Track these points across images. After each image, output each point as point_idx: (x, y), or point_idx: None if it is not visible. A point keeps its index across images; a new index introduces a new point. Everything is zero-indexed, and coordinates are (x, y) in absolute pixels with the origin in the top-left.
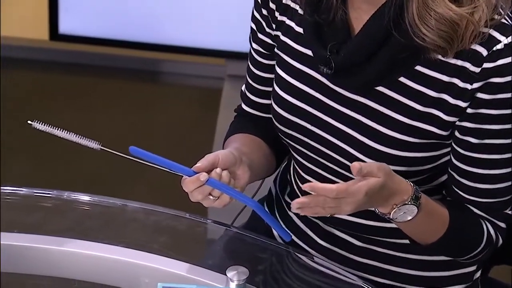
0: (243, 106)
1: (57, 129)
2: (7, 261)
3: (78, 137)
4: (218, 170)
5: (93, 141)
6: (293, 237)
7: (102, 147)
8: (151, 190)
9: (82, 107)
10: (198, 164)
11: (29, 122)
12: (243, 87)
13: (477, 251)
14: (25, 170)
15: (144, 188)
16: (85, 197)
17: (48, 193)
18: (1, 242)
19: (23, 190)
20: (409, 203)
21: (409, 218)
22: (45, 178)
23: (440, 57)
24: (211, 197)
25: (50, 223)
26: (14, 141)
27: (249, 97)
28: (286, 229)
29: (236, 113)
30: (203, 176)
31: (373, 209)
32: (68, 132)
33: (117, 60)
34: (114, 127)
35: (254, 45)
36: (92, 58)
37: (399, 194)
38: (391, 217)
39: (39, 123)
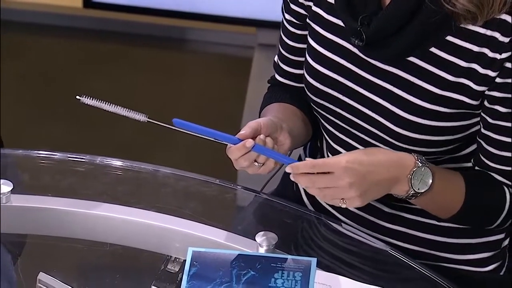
0: (277, 76)
1: (105, 103)
2: (41, 224)
3: (125, 110)
4: (262, 136)
5: (139, 113)
6: (323, 203)
7: (149, 119)
8: (182, 156)
9: (115, 74)
10: (242, 132)
11: (77, 97)
12: (276, 58)
13: (502, 216)
14: (60, 135)
15: (175, 154)
16: (117, 162)
17: (82, 158)
18: (36, 206)
19: (57, 155)
20: (420, 165)
21: (430, 181)
22: (79, 143)
23: (470, 26)
24: (256, 163)
25: (83, 187)
26: (48, 107)
27: (282, 68)
28: None
29: (269, 84)
30: (249, 142)
31: (395, 195)
32: (115, 106)
33: (149, 28)
34: (144, 94)
35: (287, 16)
36: (125, 26)
37: (400, 163)
38: (413, 190)
39: (87, 98)
